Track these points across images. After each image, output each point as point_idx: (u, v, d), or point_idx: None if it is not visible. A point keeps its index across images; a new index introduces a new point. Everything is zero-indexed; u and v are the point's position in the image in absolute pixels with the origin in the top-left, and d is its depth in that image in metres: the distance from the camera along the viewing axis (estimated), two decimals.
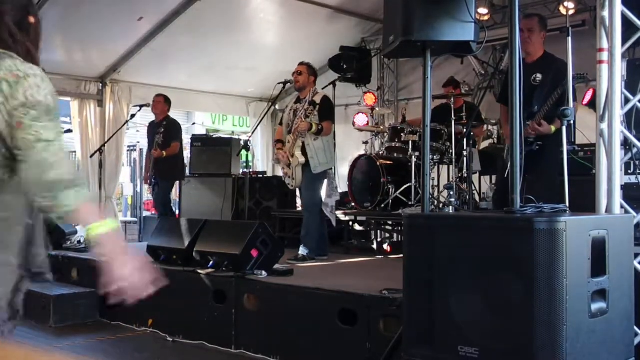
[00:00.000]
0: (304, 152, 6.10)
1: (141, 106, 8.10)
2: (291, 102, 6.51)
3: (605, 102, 3.47)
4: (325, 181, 6.38)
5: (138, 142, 12.24)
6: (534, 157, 4.94)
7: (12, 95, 1.76)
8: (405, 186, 6.87)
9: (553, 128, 4.91)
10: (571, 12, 6.78)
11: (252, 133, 8.45)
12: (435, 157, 6.80)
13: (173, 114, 8.19)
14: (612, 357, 2.86)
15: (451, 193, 6.52)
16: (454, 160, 6.60)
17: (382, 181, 6.86)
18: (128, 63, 8.54)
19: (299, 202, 7.47)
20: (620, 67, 3.45)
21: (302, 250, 6.11)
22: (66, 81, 8.44)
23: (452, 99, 6.74)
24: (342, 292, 4.32)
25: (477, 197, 7.17)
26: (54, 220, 1.79)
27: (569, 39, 4.40)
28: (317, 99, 6.15)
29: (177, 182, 8.55)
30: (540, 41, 5.09)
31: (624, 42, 3.48)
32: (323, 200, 6.33)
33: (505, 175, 5.35)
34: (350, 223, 7.47)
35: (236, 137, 11.92)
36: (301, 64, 6.30)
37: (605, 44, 3.47)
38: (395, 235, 7.60)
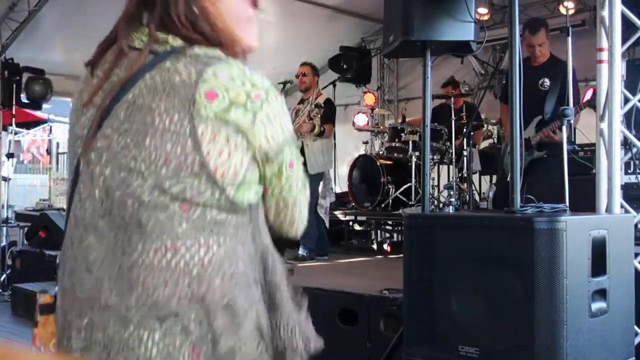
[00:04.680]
0: (302, 152, 6.11)
1: None
2: (294, 103, 6.52)
3: (605, 101, 3.47)
4: (321, 182, 6.38)
5: None
6: (538, 161, 4.95)
7: None
8: (405, 186, 6.87)
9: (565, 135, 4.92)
10: (571, 11, 6.78)
11: None
12: (435, 157, 6.80)
13: None
14: (612, 357, 2.86)
15: (451, 193, 6.52)
16: (454, 160, 6.60)
17: (382, 181, 6.86)
18: None
19: None
20: (620, 67, 3.45)
21: (302, 251, 6.12)
22: (66, 81, 8.42)
23: (452, 99, 6.74)
24: (342, 292, 4.32)
25: (477, 197, 7.17)
26: None
27: (569, 38, 4.40)
28: (319, 100, 6.16)
29: None
30: (548, 46, 5.09)
31: (623, 41, 3.48)
32: (317, 201, 6.33)
33: (507, 178, 5.37)
34: (350, 223, 7.47)
35: None
36: (304, 64, 6.30)
37: (605, 44, 3.47)
38: (395, 235, 7.60)
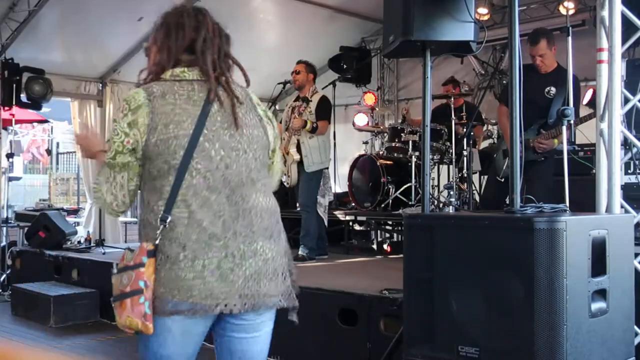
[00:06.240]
0: (298, 149, 6.11)
1: None
2: (291, 101, 6.52)
3: (605, 101, 3.47)
4: (321, 181, 6.37)
5: None
6: (533, 163, 4.97)
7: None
8: (405, 186, 6.87)
9: (556, 142, 4.96)
10: (571, 11, 6.79)
11: None
12: (435, 157, 6.80)
13: None
14: (612, 357, 2.86)
15: (451, 193, 6.52)
16: (454, 160, 6.60)
17: (382, 181, 6.86)
18: (128, 63, 8.53)
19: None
20: (620, 67, 3.45)
21: (302, 250, 6.11)
22: (66, 81, 8.43)
23: (452, 99, 6.74)
24: (342, 292, 4.32)
25: (477, 197, 7.17)
26: None
27: (569, 38, 4.40)
28: (314, 98, 6.16)
29: None
30: (553, 56, 5.12)
31: (623, 41, 3.48)
32: (317, 199, 6.32)
33: (500, 177, 5.40)
34: (350, 223, 7.47)
35: None
36: (299, 62, 6.30)
37: (605, 44, 3.47)
38: (395, 235, 7.60)
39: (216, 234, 1.97)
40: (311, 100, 6.11)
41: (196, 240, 1.96)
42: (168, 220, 1.96)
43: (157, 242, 1.97)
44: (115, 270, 2.02)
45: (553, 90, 5.08)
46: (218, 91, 2.08)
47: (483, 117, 7.32)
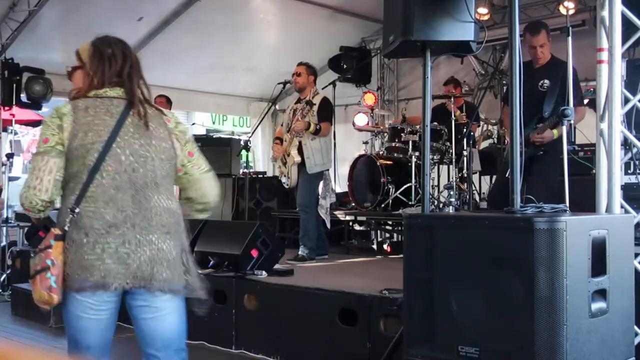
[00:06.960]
0: (300, 151, 6.11)
1: None
2: (292, 102, 6.52)
3: (605, 101, 3.47)
4: (321, 182, 6.37)
5: None
6: (535, 159, 4.96)
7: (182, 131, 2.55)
8: (405, 186, 6.87)
9: (555, 132, 4.94)
10: (571, 11, 6.79)
11: (252, 133, 8.44)
12: (435, 157, 6.80)
13: None
14: (612, 357, 2.86)
15: (451, 193, 6.52)
16: (454, 160, 6.60)
17: (382, 181, 6.86)
18: None
19: None
20: (620, 67, 3.45)
21: (302, 250, 6.11)
22: (66, 81, 8.36)
23: (452, 99, 6.74)
24: (342, 292, 4.32)
25: (477, 197, 7.17)
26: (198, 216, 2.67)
27: (569, 38, 4.40)
28: (315, 100, 6.15)
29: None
30: (549, 48, 5.11)
31: (623, 41, 3.48)
32: (318, 201, 6.32)
33: (507, 176, 5.39)
34: (350, 223, 7.47)
35: (236, 137, 11.91)
36: (300, 64, 6.29)
37: (605, 44, 3.47)
38: (395, 235, 7.60)
39: (116, 224, 2.33)
40: (315, 104, 6.11)
41: (98, 228, 2.32)
42: (76, 211, 2.31)
43: (65, 228, 2.33)
44: (32, 255, 2.40)
45: (547, 82, 5.05)
46: (139, 107, 2.44)
47: (482, 117, 7.32)
